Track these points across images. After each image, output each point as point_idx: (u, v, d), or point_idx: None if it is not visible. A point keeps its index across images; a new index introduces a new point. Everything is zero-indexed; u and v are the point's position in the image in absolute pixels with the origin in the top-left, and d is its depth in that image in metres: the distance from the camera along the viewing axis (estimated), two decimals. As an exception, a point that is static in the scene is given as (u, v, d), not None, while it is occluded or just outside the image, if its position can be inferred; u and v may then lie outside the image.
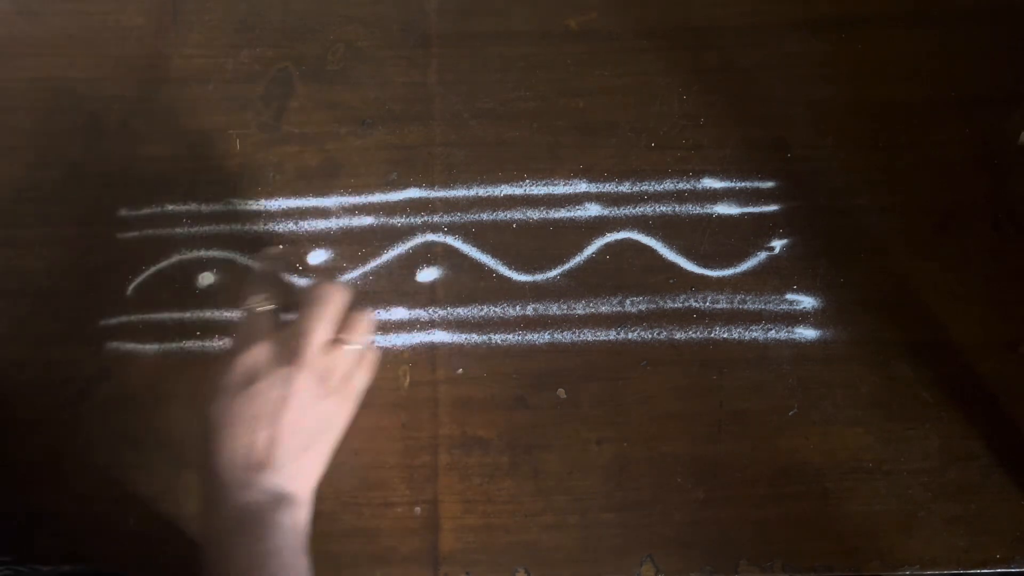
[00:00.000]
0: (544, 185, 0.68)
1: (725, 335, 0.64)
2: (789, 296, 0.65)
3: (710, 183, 0.67)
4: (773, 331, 0.64)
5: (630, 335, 0.65)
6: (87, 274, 0.66)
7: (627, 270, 0.66)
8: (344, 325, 0.54)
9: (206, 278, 0.66)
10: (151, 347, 0.65)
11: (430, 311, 0.65)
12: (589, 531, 0.62)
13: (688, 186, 0.67)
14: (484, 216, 0.67)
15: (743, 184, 0.67)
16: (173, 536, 0.62)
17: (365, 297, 0.66)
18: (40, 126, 0.69)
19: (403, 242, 0.67)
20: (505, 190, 0.67)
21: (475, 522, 0.62)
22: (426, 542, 0.62)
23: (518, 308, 0.65)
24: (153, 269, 0.66)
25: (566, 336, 0.65)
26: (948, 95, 0.68)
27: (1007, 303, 0.65)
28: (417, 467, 0.63)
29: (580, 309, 0.65)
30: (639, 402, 0.64)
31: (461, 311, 0.65)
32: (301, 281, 0.65)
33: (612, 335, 0.65)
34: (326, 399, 0.53)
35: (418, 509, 0.62)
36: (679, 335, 0.65)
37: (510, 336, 0.65)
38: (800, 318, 0.65)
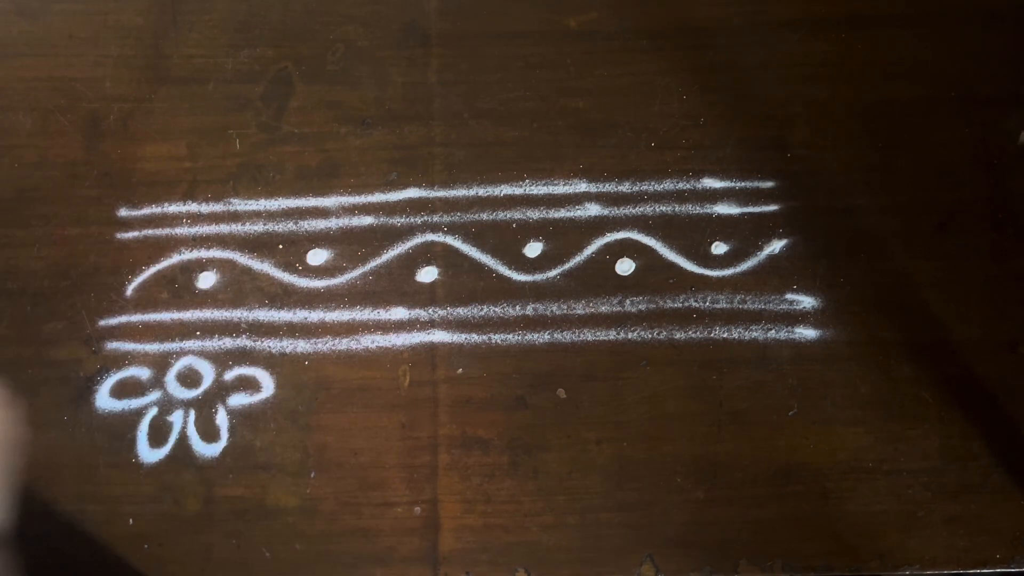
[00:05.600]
0: (544, 185, 0.68)
1: (725, 335, 0.64)
2: (789, 296, 0.65)
3: (710, 183, 0.67)
4: (773, 331, 0.64)
5: (630, 335, 0.65)
6: (87, 274, 0.66)
7: (627, 270, 0.66)
8: None
9: (206, 278, 0.66)
10: (151, 347, 0.65)
11: (430, 311, 0.65)
12: (589, 531, 0.62)
13: (688, 186, 0.67)
14: (484, 216, 0.67)
15: (743, 184, 0.67)
16: (171, 535, 0.62)
17: (365, 297, 0.66)
18: (40, 126, 0.69)
19: (403, 242, 0.67)
20: (505, 190, 0.67)
21: (475, 522, 0.62)
22: (426, 542, 0.62)
23: (518, 308, 0.65)
24: (153, 269, 0.66)
25: (566, 336, 0.65)
26: (948, 95, 0.68)
27: (1007, 303, 0.65)
28: (417, 467, 0.63)
29: (580, 309, 0.65)
30: (639, 402, 0.64)
31: (461, 311, 0.65)
32: None
33: (612, 335, 0.65)
34: None
35: (418, 509, 0.62)
36: (679, 335, 0.65)
37: (510, 336, 0.65)
38: (800, 318, 0.65)
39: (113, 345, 0.65)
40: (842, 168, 0.67)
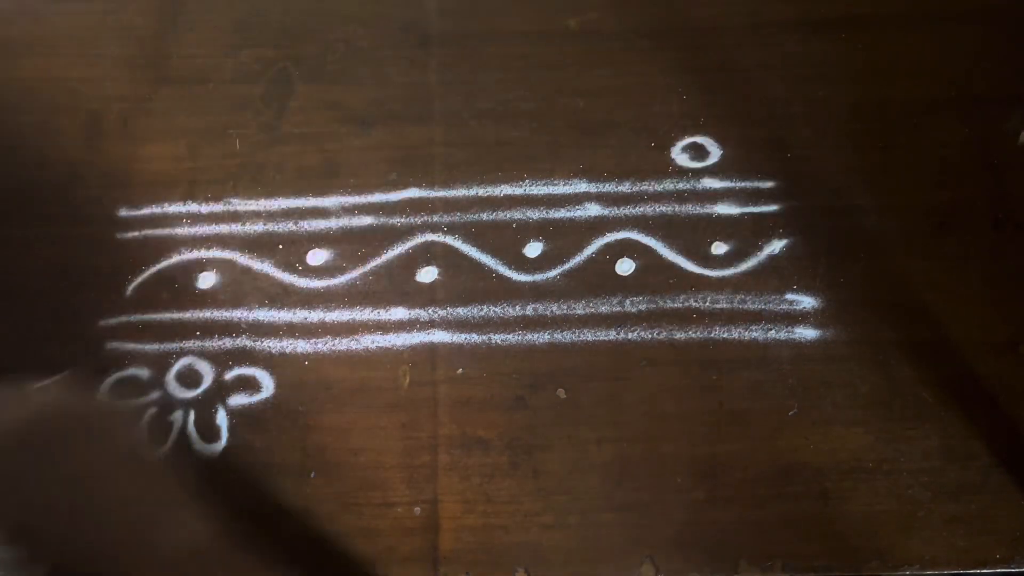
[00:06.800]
0: (544, 185, 0.68)
1: (725, 335, 0.64)
2: (789, 296, 0.65)
3: (710, 183, 0.67)
4: (773, 331, 0.64)
5: (630, 335, 0.65)
6: (87, 274, 0.66)
7: (627, 270, 0.66)
8: None
9: (206, 278, 0.66)
10: (151, 347, 0.65)
11: (430, 311, 0.65)
12: (589, 531, 0.62)
13: (688, 186, 0.67)
14: (484, 216, 0.67)
15: (743, 184, 0.67)
16: (170, 536, 0.62)
17: (365, 297, 0.66)
18: (40, 126, 0.69)
19: (403, 242, 0.67)
20: (505, 190, 0.67)
21: (475, 522, 0.62)
22: (426, 542, 0.62)
23: (518, 308, 0.65)
24: (153, 269, 0.66)
25: (566, 336, 0.65)
26: (948, 95, 0.68)
27: (1007, 303, 0.65)
28: (417, 467, 0.63)
29: (580, 309, 0.65)
30: (639, 402, 0.64)
31: (461, 311, 0.65)
32: None
33: (612, 335, 0.65)
34: None
35: (418, 509, 0.62)
36: (679, 335, 0.65)
37: (510, 336, 0.65)
38: (800, 318, 0.65)
39: (113, 345, 0.65)
40: (842, 168, 0.67)
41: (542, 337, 0.65)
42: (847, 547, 0.61)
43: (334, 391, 0.64)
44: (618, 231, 0.66)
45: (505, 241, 0.66)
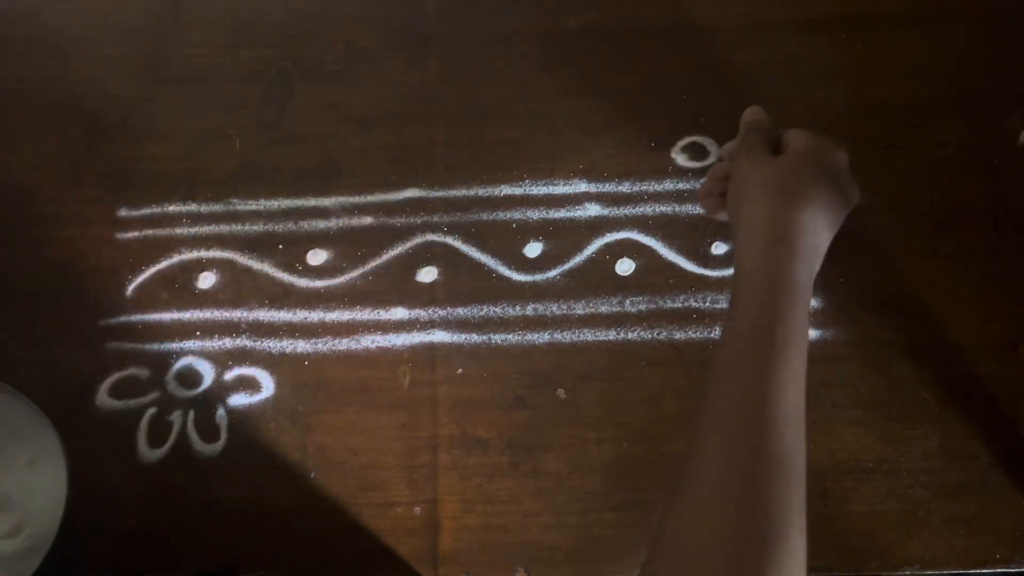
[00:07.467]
0: (544, 185, 0.68)
1: (725, 335, 0.64)
2: (789, 296, 0.65)
3: (710, 183, 0.67)
4: (773, 331, 0.64)
5: (630, 335, 0.65)
6: (87, 274, 0.66)
7: (627, 270, 0.66)
8: None
9: (206, 278, 0.66)
10: (151, 347, 0.65)
11: (430, 311, 0.65)
12: (589, 531, 0.62)
13: (688, 186, 0.67)
14: (484, 216, 0.67)
15: (743, 184, 0.67)
16: (171, 535, 0.62)
17: (365, 297, 0.66)
18: (40, 126, 0.69)
19: (403, 242, 0.67)
20: (505, 190, 0.67)
21: (475, 522, 0.62)
22: (426, 542, 0.62)
23: (518, 308, 0.65)
24: (153, 269, 0.66)
25: (566, 336, 0.65)
26: (948, 95, 0.68)
27: (1007, 303, 0.65)
28: (417, 467, 0.63)
29: (580, 309, 0.65)
30: (639, 402, 0.64)
31: (461, 311, 0.65)
32: None
33: (612, 335, 0.65)
34: None
35: (418, 509, 0.62)
36: (679, 335, 0.65)
37: (510, 336, 0.65)
38: (800, 318, 0.65)
39: (113, 345, 0.65)
40: (842, 168, 0.67)
41: (542, 337, 0.65)
42: (847, 547, 0.61)
43: (334, 391, 0.64)
44: (618, 231, 0.66)
45: (505, 241, 0.66)
